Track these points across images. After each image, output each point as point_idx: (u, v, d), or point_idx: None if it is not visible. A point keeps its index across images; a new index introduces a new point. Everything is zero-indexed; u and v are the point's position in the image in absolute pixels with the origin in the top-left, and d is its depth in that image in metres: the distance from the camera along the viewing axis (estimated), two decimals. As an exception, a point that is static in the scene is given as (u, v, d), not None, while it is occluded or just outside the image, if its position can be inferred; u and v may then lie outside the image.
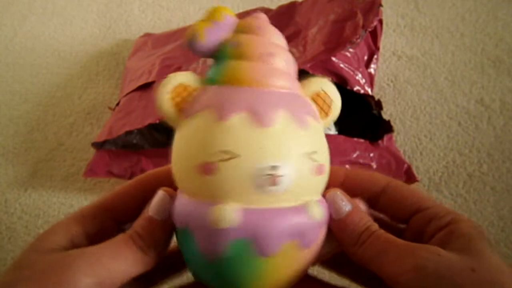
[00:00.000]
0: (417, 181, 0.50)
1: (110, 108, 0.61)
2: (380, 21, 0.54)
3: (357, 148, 0.49)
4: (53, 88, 0.66)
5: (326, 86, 0.21)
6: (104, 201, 0.22)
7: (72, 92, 0.65)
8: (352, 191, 0.22)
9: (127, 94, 0.57)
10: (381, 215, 0.23)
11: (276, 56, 0.20)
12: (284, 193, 0.18)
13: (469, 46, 0.66)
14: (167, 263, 0.23)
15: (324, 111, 0.21)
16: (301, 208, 0.19)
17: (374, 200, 0.22)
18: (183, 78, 0.20)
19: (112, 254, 0.19)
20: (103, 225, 0.21)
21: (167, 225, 0.20)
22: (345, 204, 0.21)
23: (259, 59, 0.20)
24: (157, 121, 0.49)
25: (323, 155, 0.20)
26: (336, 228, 0.21)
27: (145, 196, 0.21)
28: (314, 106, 0.21)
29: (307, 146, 0.19)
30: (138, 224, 0.20)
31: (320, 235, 0.20)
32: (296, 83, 0.21)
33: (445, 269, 0.17)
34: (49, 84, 0.67)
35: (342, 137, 0.49)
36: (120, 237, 0.20)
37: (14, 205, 0.52)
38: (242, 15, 0.67)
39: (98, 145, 0.52)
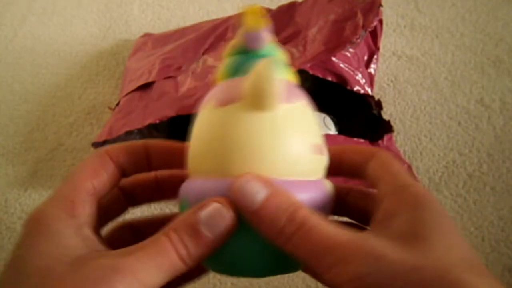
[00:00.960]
0: (417, 181, 0.50)
1: (110, 108, 0.61)
2: (380, 21, 0.54)
3: (357, 148, 0.49)
4: (53, 88, 0.66)
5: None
6: (81, 182, 0.20)
7: (72, 92, 0.65)
8: (343, 163, 0.22)
9: (127, 94, 0.57)
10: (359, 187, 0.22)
11: None
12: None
13: (469, 46, 0.66)
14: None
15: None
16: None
17: (362, 171, 0.21)
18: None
19: (154, 267, 0.17)
20: (91, 210, 0.20)
21: (216, 243, 0.18)
22: (258, 190, 0.18)
23: None
24: (157, 121, 0.49)
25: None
26: (252, 221, 0.18)
27: (118, 167, 0.21)
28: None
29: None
30: (185, 231, 0.18)
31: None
32: None
33: (386, 276, 0.15)
34: (49, 84, 0.67)
35: (342, 137, 0.49)
36: (162, 241, 0.17)
37: (14, 205, 0.52)
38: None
39: (98, 145, 0.52)
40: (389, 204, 0.18)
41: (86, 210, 0.19)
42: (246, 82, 0.19)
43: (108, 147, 0.22)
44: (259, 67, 0.19)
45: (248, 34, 0.21)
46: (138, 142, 0.22)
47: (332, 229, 0.17)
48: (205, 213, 0.18)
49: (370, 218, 0.19)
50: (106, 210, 0.22)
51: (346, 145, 0.23)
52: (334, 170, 0.22)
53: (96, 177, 0.20)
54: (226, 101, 0.20)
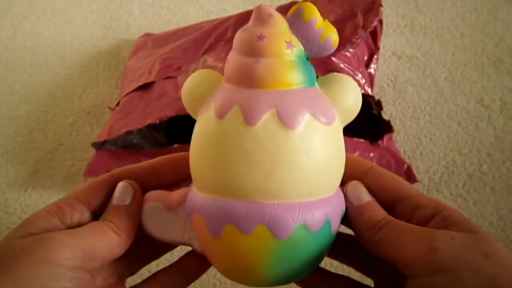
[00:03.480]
0: (417, 181, 0.50)
1: (110, 108, 0.61)
2: (380, 21, 0.54)
3: (357, 148, 0.49)
4: (53, 88, 0.66)
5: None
6: (78, 194, 0.23)
7: (72, 92, 0.65)
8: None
9: (127, 94, 0.57)
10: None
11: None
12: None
13: (469, 46, 0.66)
14: (145, 249, 0.25)
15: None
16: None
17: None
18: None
19: (92, 233, 0.21)
20: (80, 216, 0.22)
21: (131, 210, 0.22)
22: (367, 194, 0.22)
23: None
24: (157, 121, 0.49)
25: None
26: (354, 213, 0.22)
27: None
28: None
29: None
30: (107, 212, 0.22)
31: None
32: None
33: (460, 252, 0.18)
34: (49, 84, 0.67)
35: (342, 137, 0.49)
36: (94, 222, 0.22)
37: (14, 205, 0.52)
38: (242, 16, 0.67)
39: (98, 145, 0.52)
40: (436, 222, 0.21)
41: (73, 218, 0.22)
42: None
43: (113, 171, 0.24)
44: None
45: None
46: (144, 164, 0.25)
47: (409, 225, 0.20)
48: (115, 193, 0.23)
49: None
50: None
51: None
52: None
53: (92, 192, 0.23)
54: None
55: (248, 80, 0.19)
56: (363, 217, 0.21)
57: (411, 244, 0.19)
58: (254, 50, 0.20)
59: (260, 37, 0.20)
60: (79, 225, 0.22)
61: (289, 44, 0.20)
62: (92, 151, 0.53)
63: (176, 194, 0.23)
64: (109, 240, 0.21)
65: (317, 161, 0.19)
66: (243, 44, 0.20)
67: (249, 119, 0.19)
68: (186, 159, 0.22)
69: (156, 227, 0.23)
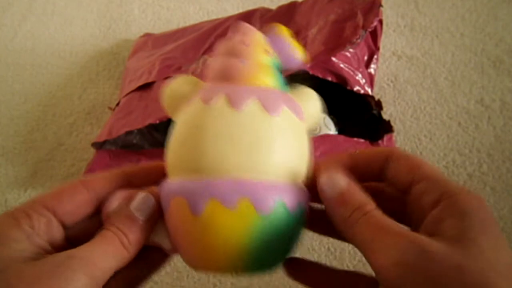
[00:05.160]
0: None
1: (110, 108, 0.61)
2: (380, 21, 0.54)
3: (357, 148, 0.49)
4: (53, 88, 0.66)
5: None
6: (44, 200, 0.21)
7: (72, 92, 0.65)
8: (358, 170, 0.22)
9: (127, 94, 0.57)
10: (389, 189, 0.22)
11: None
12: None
13: (469, 46, 0.66)
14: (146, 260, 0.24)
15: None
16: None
17: (381, 173, 0.22)
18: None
19: (103, 253, 0.19)
20: (47, 224, 0.21)
21: (148, 225, 0.21)
22: (342, 180, 0.20)
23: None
24: (157, 121, 0.49)
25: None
26: (329, 205, 0.20)
27: (93, 199, 0.22)
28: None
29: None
30: (121, 221, 0.21)
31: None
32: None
33: (430, 268, 0.16)
34: (49, 84, 0.67)
35: (342, 137, 0.49)
36: (104, 233, 0.20)
37: (14, 205, 0.52)
38: (242, 16, 0.67)
39: (98, 145, 0.52)
40: (438, 211, 0.18)
41: (41, 224, 0.20)
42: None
43: (86, 177, 0.23)
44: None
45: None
46: (117, 170, 0.23)
47: (389, 222, 0.18)
48: (135, 201, 0.21)
49: (405, 219, 0.20)
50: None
51: (354, 151, 0.23)
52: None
53: (58, 197, 0.21)
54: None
55: (233, 75, 0.22)
56: (335, 210, 0.20)
57: (379, 251, 0.17)
58: (239, 53, 0.23)
59: (246, 44, 0.23)
60: (45, 234, 0.20)
61: (268, 52, 0.23)
62: (92, 151, 0.53)
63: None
64: (117, 256, 0.20)
65: (293, 147, 0.21)
66: (230, 48, 0.23)
67: (234, 104, 0.21)
68: (160, 168, 0.23)
69: None
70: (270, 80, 0.22)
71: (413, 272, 0.16)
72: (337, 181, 0.20)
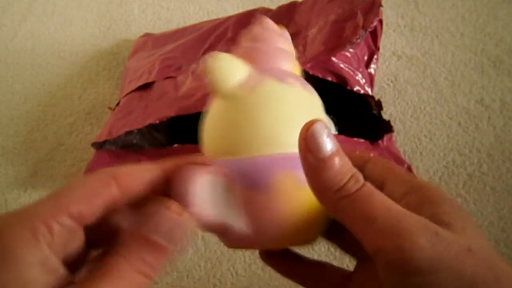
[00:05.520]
0: (417, 181, 0.49)
1: (110, 108, 0.61)
2: (380, 21, 0.54)
3: (357, 148, 0.49)
4: (53, 88, 0.66)
5: None
6: (68, 205, 0.17)
7: (72, 92, 0.65)
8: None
9: (127, 94, 0.57)
10: None
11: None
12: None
13: (469, 46, 0.66)
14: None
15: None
16: None
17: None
18: None
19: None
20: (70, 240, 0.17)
21: (175, 250, 0.17)
22: (330, 141, 0.17)
23: None
24: (157, 121, 0.49)
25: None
26: (313, 167, 0.17)
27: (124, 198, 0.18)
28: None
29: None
30: (142, 249, 0.17)
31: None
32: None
33: (443, 251, 0.15)
34: (49, 84, 0.67)
35: (342, 137, 0.49)
36: (120, 266, 0.17)
37: (14, 205, 0.52)
38: (242, 16, 0.67)
39: (98, 145, 0.52)
40: (411, 201, 0.18)
41: (61, 239, 0.17)
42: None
43: (114, 170, 0.19)
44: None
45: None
46: (154, 167, 0.19)
47: (389, 200, 0.17)
48: (156, 223, 0.17)
49: None
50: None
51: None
52: None
53: (88, 201, 0.17)
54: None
55: (259, 58, 0.23)
56: (325, 174, 0.17)
57: (385, 231, 0.16)
58: (261, 39, 0.24)
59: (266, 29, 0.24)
60: (63, 249, 0.17)
61: (286, 40, 0.25)
62: (92, 151, 0.53)
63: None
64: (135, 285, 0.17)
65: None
66: (252, 35, 0.24)
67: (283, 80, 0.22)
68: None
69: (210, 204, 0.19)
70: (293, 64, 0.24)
71: (426, 255, 0.15)
72: (329, 137, 0.17)
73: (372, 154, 0.23)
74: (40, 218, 0.16)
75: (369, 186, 0.17)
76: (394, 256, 0.16)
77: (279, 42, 0.24)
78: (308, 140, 0.17)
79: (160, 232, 0.17)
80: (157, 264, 0.17)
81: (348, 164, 0.17)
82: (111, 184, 0.18)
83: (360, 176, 0.17)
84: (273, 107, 0.21)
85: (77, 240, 0.18)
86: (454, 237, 0.16)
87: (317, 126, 0.17)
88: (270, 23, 0.25)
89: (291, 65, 0.23)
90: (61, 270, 0.17)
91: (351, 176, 0.17)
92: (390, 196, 0.18)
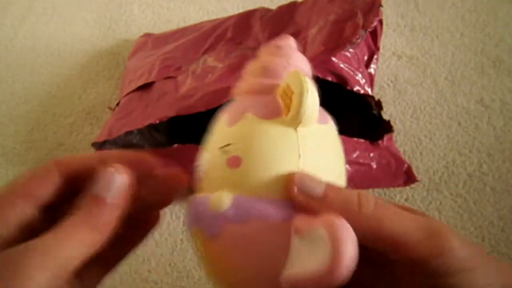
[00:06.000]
0: (417, 181, 0.49)
1: (110, 108, 0.61)
2: (380, 21, 0.54)
3: (357, 148, 0.49)
4: (53, 88, 0.66)
5: (290, 78, 0.21)
6: (18, 188, 0.21)
7: (72, 92, 0.65)
8: None
9: (127, 94, 0.57)
10: None
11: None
12: (201, 184, 0.21)
13: (469, 46, 0.66)
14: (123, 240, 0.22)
15: (287, 106, 0.20)
16: (206, 198, 0.20)
17: None
18: None
19: (66, 241, 0.18)
20: (24, 214, 0.20)
21: (116, 204, 0.19)
22: (318, 180, 0.19)
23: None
24: (157, 121, 0.49)
25: (241, 147, 0.20)
26: (323, 208, 0.18)
27: (66, 178, 0.21)
28: (274, 103, 0.21)
29: (222, 141, 0.20)
30: (86, 203, 0.19)
31: (222, 227, 0.19)
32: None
33: (473, 251, 0.17)
34: (49, 84, 0.67)
35: (342, 137, 0.49)
36: (69, 220, 0.19)
37: (14, 205, 0.52)
38: (242, 16, 0.67)
39: (98, 145, 0.52)
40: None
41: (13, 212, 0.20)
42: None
43: (57, 159, 0.21)
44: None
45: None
46: (94, 154, 0.22)
47: (403, 211, 0.18)
48: (101, 181, 0.19)
49: None
50: None
51: None
52: None
53: (37, 184, 0.20)
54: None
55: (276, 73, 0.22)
56: (335, 207, 0.18)
57: (420, 240, 0.17)
58: (277, 54, 0.23)
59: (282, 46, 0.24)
60: (23, 223, 0.19)
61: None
62: (92, 151, 0.53)
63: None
64: (85, 242, 0.18)
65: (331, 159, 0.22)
66: (269, 50, 0.24)
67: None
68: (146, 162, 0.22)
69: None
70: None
71: (461, 254, 0.16)
72: (315, 178, 0.19)
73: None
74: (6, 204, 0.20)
75: (381, 200, 0.18)
76: (434, 263, 0.17)
77: (300, 61, 0.23)
78: (300, 188, 0.18)
79: (99, 186, 0.19)
80: (106, 217, 0.19)
81: (346, 190, 0.19)
82: (52, 168, 0.21)
83: (364, 191, 0.19)
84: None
85: (30, 216, 0.20)
86: (472, 243, 0.18)
87: (299, 175, 0.19)
88: (292, 40, 0.24)
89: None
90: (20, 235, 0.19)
91: (358, 196, 0.18)
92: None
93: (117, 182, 0.19)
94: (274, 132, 0.20)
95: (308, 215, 0.18)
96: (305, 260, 0.17)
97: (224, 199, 0.19)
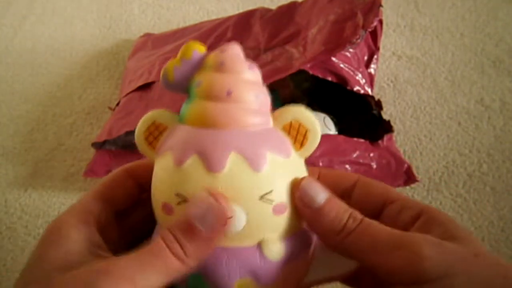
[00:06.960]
0: (417, 181, 0.49)
1: (110, 108, 0.61)
2: (380, 21, 0.54)
3: (357, 148, 0.49)
4: (53, 88, 0.66)
5: (298, 115, 0.20)
6: (101, 193, 0.21)
7: (72, 92, 0.65)
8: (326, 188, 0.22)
9: (127, 94, 0.57)
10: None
11: (235, 93, 0.19)
12: (240, 234, 0.19)
13: (469, 46, 0.66)
14: None
15: (298, 141, 0.20)
16: (255, 248, 0.19)
17: (346, 196, 0.22)
18: (157, 116, 0.23)
19: (142, 267, 0.17)
20: (109, 219, 0.21)
21: (211, 236, 0.18)
22: (321, 191, 0.19)
23: (218, 99, 0.20)
24: (157, 121, 0.49)
25: (283, 193, 0.19)
26: (313, 218, 0.19)
27: (137, 184, 0.22)
28: (285, 138, 0.20)
29: (259, 188, 0.19)
30: (179, 230, 0.18)
31: (277, 273, 0.20)
32: (264, 117, 0.20)
33: (450, 257, 0.17)
34: (49, 84, 0.67)
35: (342, 137, 0.49)
36: (152, 245, 0.17)
37: (14, 205, 0.52)
38: (242, 16, 0.67)
39: (98, 145, 0.52)
40: (422, 223, 0.19)
41: (101, 218, 0.20)
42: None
43: (127, 166, 0.23)
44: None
45: (161, 81, 0.22)
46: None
47: (386, 227, 0.18)
48: (196, 207, 0.18)
49: None
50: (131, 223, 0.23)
51: (322, 171, 0.23)
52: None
53: (115, 189, 0.22)
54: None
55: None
56: (325, 220, 0.19)
57: (391, 252, 0.17)
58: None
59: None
60: (106, 227, 0.20)
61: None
62: (92, 151, 0.53)
63: None
64: (166, 270, 0.17)
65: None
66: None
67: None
68: None
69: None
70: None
71: (435, 263, 0.17)
72: (319, 188, 0.19)
73: (359, 175, 0.23)
74: (80, 204, 0.20)
75: (366, 219, 0.19)
76: (407, 272, 0.17)
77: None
78: (301, 196, 0.19)
79: (199, 217, 0.17)
80: (191, 247, 0.17)
81: (343, 206, 0.19)
82: (124, 174, 0.22)
83: (357, 214, 0.19)
84: None
85: (111, 226, 0.21)
86: (458, 246, 0.17)
87: (305, 183, 0.19)
88: (237, 48, 0.21)
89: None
90: (104, 245, 0.19)
91: (349, 216, 0.19)
92: (398, 220, 0.20)
93: (215, 213, 0.18)
94: (301, 167, 0.21)
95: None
96: None
97: (278, 246, 0.20)
